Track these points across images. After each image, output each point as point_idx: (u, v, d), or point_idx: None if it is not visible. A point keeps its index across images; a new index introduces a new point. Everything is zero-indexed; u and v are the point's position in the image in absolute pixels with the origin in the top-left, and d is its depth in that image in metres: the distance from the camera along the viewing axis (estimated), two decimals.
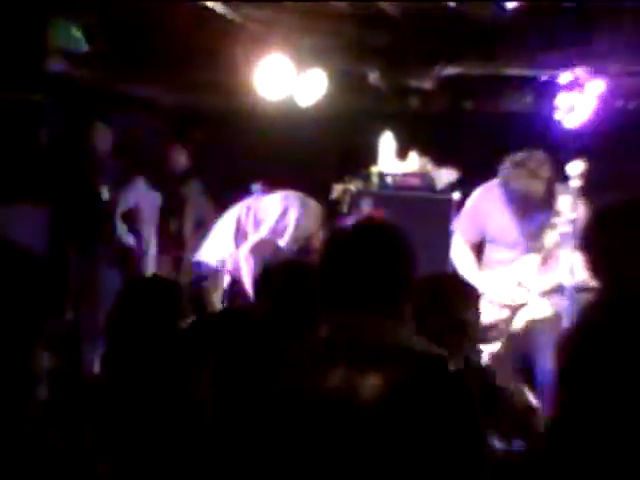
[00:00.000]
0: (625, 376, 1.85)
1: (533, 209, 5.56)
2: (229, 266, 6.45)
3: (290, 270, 3.61)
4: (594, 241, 2.81)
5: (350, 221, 2.59)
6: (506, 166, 5.57)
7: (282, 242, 6.31)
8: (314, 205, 6.52)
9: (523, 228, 5.65)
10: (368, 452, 2.18)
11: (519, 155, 5.59)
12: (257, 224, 6.48)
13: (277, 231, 6.39)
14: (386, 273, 2.43)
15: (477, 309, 3.53)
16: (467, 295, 3.51)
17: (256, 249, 6.32)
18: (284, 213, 6.43)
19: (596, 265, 2.73)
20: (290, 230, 6.35)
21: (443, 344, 3.24)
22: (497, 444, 2.93)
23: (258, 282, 3.78)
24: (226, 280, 6.45)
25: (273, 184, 6.72)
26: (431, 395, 2.21)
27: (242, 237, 6.47)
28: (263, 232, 6.40)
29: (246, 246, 6.37)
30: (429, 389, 2.22)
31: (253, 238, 6.40)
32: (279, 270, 3.68)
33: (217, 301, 6.33)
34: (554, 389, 1.97)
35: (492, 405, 3.23)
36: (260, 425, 2.33)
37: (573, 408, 1.90)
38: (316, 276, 2.50)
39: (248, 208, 6.57)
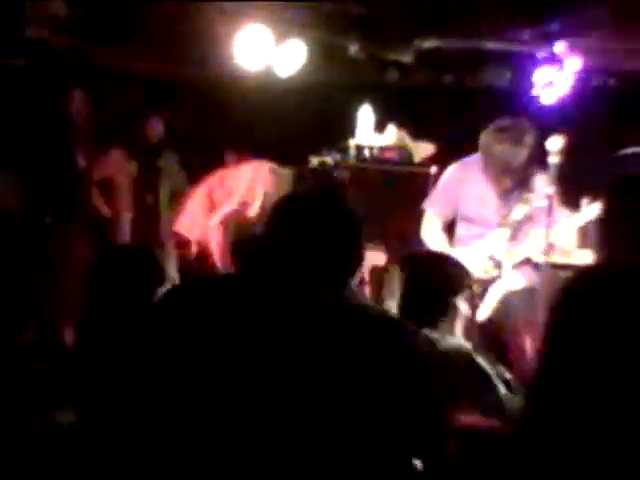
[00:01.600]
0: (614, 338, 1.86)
1: (511, 179, 5.53)
2: (199, 236, 6.45)
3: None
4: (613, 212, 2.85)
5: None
6: (489, 131, 5.52)
7: (252, 212, 6.31)
8: (286, 175, 6.50)
9: (497, 202, 5.64)
10: (319, 405, 2.20)
11: (503, 121, 5.55)
12: (228, 194, 6.48)
13: (246, 202, 6.38)
14: (335, 246, 2.44)
15: (465, 288, 3.53)
16: (455, 273, 3.51)
17: (225, 221, 6.31)
18: (253, 184, 6.42)
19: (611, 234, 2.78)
20: (258, 201, 6.34)
21: (423, 319, 3.27)
22: (470, 419, 2.95)
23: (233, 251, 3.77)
24: (195, 250, 6.46)
25: (249, 155, 6.70)
26: (382, 358, 2.22)
27: (213, 207, 6.46)
28: (233, 203, 6.40)
29: (216, 217, 6.37)
30: (381, 351, 2.23)
31: (223, 209, 6.39)
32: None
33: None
34: (539, 349, 1.96)
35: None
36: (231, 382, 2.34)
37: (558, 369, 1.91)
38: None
39: (220, 179, 6.56)
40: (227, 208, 6.39)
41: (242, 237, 3.72)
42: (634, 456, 1.82)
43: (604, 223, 2.96)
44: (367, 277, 5.79)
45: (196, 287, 2.60)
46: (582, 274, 2.02)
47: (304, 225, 2.46)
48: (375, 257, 6.06)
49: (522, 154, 5.39)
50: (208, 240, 6.35)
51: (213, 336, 2.40)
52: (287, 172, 6.54)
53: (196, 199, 6.56)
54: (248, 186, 6.42)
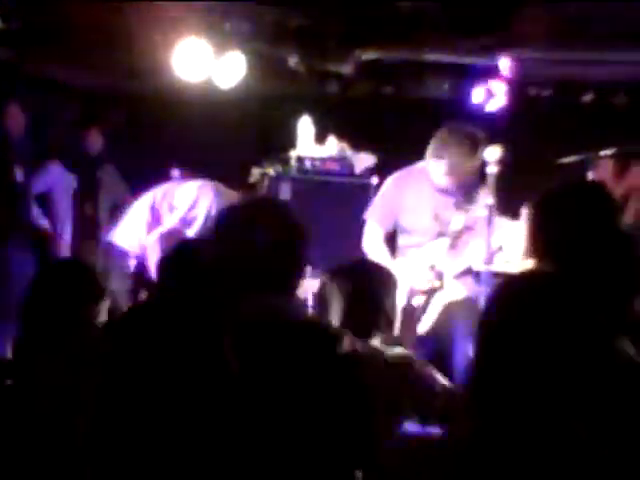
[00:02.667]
0: (546, 346, 1.88)
1: (457, 189, 5.54)
2: (138, 251, 6.39)
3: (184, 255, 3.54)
4: (537, 223, 2.89)
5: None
6: (448, 131, 5.52)
7: (191, 232, 6.25)
8: (231, 195, 6.46)
9: (438, 212, 5.66)
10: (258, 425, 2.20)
11: (463, 125, 5.57)
12: (170, 211, 6.43)
13: (187, 221, 6.33)
14: (278, 255, 2.45)
15: (395, 295, 3.54)
16: (386, 281, 3.52)
17: (163, 238, 6.26)
18: (195, 203, 6.37)
19: (536, 246, 2.82)
20: (200, 220, 6.30)
21: (363, 331, 3.27)
22: (413, 428, 2.95)
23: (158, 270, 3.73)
24: (133, 264, 6.39)
25: (191, 168, 6.67)
26: (317, 373, 2.22)
27: (155, 223, 6.41)
28: (173, 220, 6.35)
29: (154, 234, 6.31)
30: (316, 367, 2.23)
31: (163, 226, 6.34)
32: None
33: (123, 285, 6.26)
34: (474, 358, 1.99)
35: (411, 389, 3.26)
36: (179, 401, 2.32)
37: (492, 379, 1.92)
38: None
39: (164, 194, 6.50)
40: (168, 224, 6.33)
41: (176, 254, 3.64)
42: (565, 453, 1.85)
43: (528, 231, 3.01)
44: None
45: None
46: (509, 281, 2.06)
47: (243, 235, 2.46)
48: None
49: (475, 162, 5.41)
50: (146, 254, 6.29)
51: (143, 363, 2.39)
52: (233, 193, 6.51)
53: (137, 212, 6.49)
54: (191, 204, 6.36)
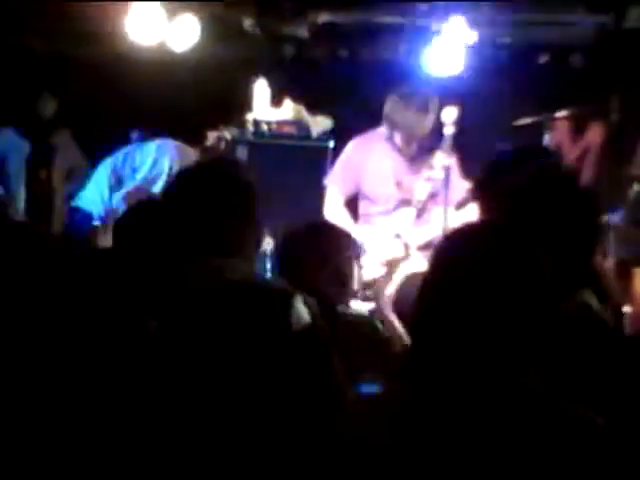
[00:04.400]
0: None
1: (417, 146, 5.54)
2: (103, 213, 6.36)
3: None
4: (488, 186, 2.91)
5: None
6: (394, 98, 5.51)
7: (155, 189, 6.23)
8: (191, 153, 6.44)
9: (400, 178, 5.66)
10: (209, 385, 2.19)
11: (407, 88, 5.56)
12: (133, 172, 6.40)
13: (150, 179, 6.31)
14: (226, 213, 2.43)
15: (354, 259, 3.53)
16: (344, 245, 3.50)
17: (129, 198, 6.23)
18: (156, 162, 6.35)
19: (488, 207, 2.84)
20: (163, 178, 6.28)
21: (320, 294, 3.26)
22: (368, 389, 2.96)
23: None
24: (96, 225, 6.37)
25: (149, 131, 6.62)
26: (273, 331, 2.22)
27: (118, 185, 6.38)
28: (137, 180, 6.32)
29: (119, 194, 6.28)
30: (272, 326, 2.22)
31: (127, 187, 6.32)
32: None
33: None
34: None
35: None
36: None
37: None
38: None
39: (125, 156, 6.49)
40: (131, 185, 6.31)
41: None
42: (509, 408, 1.85)
43: (478, 192, 3.03)
44: None
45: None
46: (451, 234, 2.06)
47: (197, 194, 2.45)
48: None
49: (428, 120, 5.41)
50: (111, 216, 6.26)
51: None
52: (192, 150, 6.48)
53: (99, 176, 6.47)
54: (152, 163, 6.34)
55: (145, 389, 2.29)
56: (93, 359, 2.41)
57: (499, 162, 3.17)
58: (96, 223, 6.37)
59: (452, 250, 1.98)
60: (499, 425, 1.84)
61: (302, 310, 2.29)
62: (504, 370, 1.87)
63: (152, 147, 6.43)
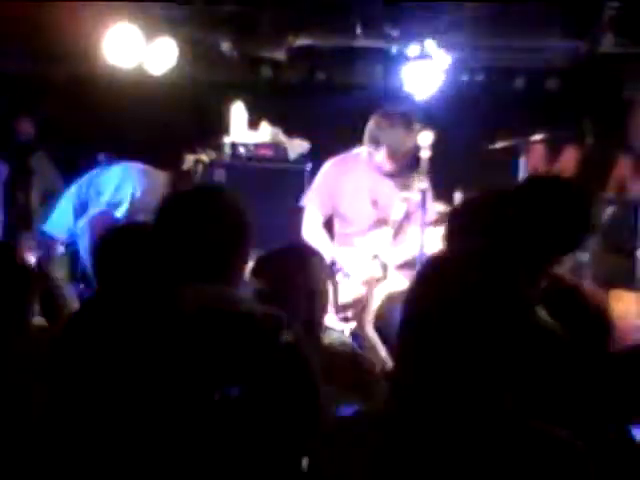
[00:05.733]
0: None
1: (399, 165, 5.56)
2: (67, 237, 6.35)
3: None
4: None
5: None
6: (380, 116, 5.56)
7: (119, 214, 6.20)
8: (159, 177, 6.42)
9: (376, 198, 5.68)
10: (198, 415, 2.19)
11: (391, 108, 5.61)
12: (97, 196, 6.38)
13: (113, 204, 6.29)
14: (216, 241, 2.44)
15: (328, 278, 3.52)
16: (316, 264, 3.49)
17: (92, 222, 6.21)
18: (120, 185, 6.33)
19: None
20: (126, 202, 6.25)
21: (294, 312, 3.26)
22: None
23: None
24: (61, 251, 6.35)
25: (122, 154, 6.61)
26: (263, 362, 2.23)
27: (82, 210, 6.36)
28: (100, 205, 6.30)
29: (83, 219, 6.27)
30: (260, 357, 2.23)
31: (91, 211, 6.30)
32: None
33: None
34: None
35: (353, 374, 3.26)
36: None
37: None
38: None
39: (89, 180, 6.47)
40: (95, 209, 6.29)
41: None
42: (487, 426, 1.87)
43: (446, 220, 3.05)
44: None
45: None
46: (430, 261, 2.08)
47: (189, 222, 2.44)
48: None
49: (413, 138, 5.45)
50: (76, 240, 6.24)
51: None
52: (161, 173, 6.46)
53: (65, 200, 6.46)
54: (115, 187, 6.32)
55: (129, 414, 2.29)
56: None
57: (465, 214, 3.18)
58: (60, 248, 6.35)
59: (431, 282, 2.01)
60: (479, 448, 1.86)
61: (287, 335, 2.30)
62: (482, 394, 1.89)
63: (116, 171, 6.42)
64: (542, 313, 2.61)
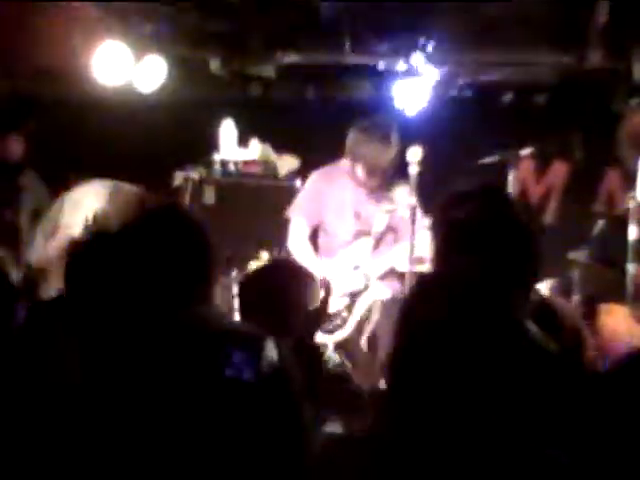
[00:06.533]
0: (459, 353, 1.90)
1: (379, 178, 5.58)
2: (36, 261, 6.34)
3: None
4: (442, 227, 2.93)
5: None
6: (356, 131, 5.58)
7: (76, 233, 6.16)
8: (126, 195, 6.39)
9: (359, 210, 5.69)
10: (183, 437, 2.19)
11: (369, 120, 5.63)
12: (62, 218, 6.37)
13: (73, 223, 6.26)
14: (180, 261, 2.44)
15: (312, 293, 3.51)
16: (304, 281, 3.49)
17: (55, 243, 6.19)
18: (83, 202, 6.31)
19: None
20: (87, 220, 6.22)
21: (283, 329, 3.26)
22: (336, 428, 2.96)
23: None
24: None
25: (111, 172, 6.60)
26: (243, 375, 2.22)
27: (52, 231, 6.34)
28: (64, 224, 6.28)
29: (50, 242, 6.25)
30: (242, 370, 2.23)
31: (57, 233, 6.28)
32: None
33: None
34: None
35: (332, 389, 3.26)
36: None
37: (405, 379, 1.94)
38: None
39: (62, 199, 6.46)
40: (59, 231, 6.27)
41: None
42: (483, 443, 1.86)
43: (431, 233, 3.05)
44: None
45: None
46: (421, 280, 2.08)
47: (154, 244, 2.44)
48: None
49: (390, 152, 5.47)
50: (43, 265, 6.22)
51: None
52: (130, 191, 6.43)
53: (44, 224, 6.45)
54: (76, 206, 6.30)
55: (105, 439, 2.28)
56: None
57: (448, 198, 3.18)
58: None
59: (424, 295, 2.01)
60: (470, 468, 1.85)
61: (272, 354, 2.29)
62: (469, 410, 1.89)
63: (84, 189, 6.40)
64: (532, 328, 2.61)
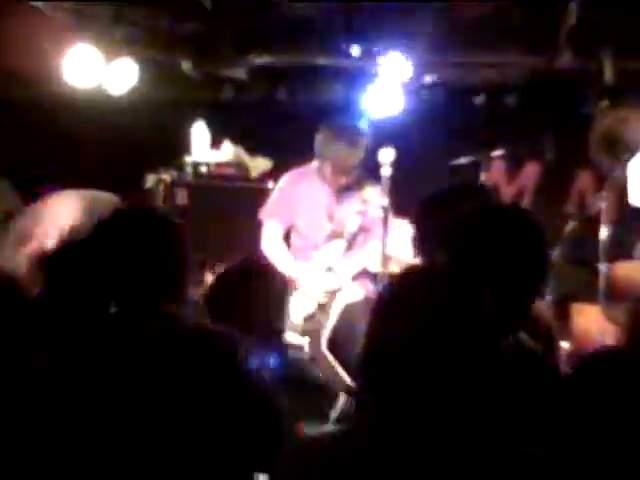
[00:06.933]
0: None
1: (346, 179, 5.59)
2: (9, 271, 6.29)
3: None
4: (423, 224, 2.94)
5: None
6: (324, 131, 5.60)
7: (50, 244, 6.11)
8: (101, 202, 6.35)
9: (332, 211, 5.69)
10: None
11: (337, 122, 5.65)
12: (36, 228, 6.32)
13: (47, 233, 6.21)
14: (156, 261, 2.44)
15: (277, 293, 3.52)
16: (274, 282, 3.50)
17: (26, 252, 6.15)
18: (55, 214, 6.27)
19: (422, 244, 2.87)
20: (63, 231, 6.18)
21: (250, 331, 3.25)
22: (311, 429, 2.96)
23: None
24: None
25: (83, 176, 6.56)
26: (222, 375, 2.22)
27: (24, 241, 6.29)
28: (38, 236, 6.24)
29: (23, 252, 6.21)
30: (221, 370, 2.23)
31: (30, 243, 6.23)
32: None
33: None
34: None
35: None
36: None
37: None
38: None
39: (31, 210, 6.41)
40: (31, 239, 6.22)
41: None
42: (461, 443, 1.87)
43: (414, 233, 3.06)
44: None
45: None
46: (395, 278, 2.09)
47: (128, 244, 2.45)
48: None
49: (357, 154, 5.49)
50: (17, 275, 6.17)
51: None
52: (106, 200, 6.39)
53: (15, 233, 6.40)
54: (49, 216, 6.26)
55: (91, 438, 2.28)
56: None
57: (435, 201, 3.19)
58: None
59: (395, 296, 2.01)
60: (450, 466, 1.86)
61: (244, 354, 2.30)
62: (447, 410, 1.89)
63: (54, 200, 6.36)
64: (523, 335, 2.61)
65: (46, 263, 3.15)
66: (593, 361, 2.18)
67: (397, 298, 1.99)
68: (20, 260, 6.06)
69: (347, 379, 4.82)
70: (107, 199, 6.37)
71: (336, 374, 4.54)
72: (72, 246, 3.05)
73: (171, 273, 2.47)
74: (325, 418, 3.18)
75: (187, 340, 2.32)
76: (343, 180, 5.60)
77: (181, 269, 2.51)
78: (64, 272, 3.07)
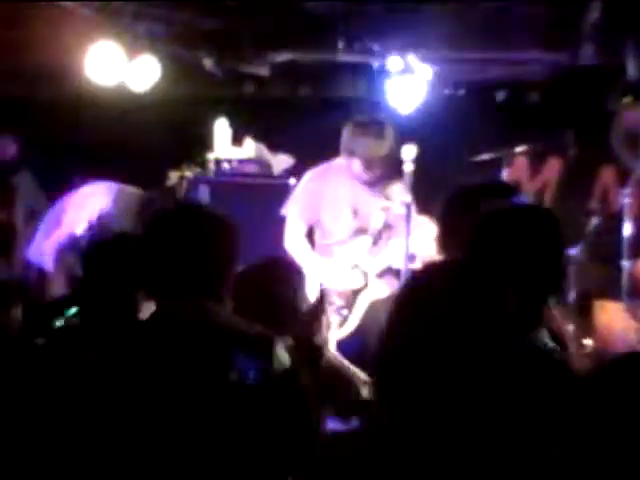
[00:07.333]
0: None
1: (375, 173, 5.59)
2: (37, 259, 6.33)
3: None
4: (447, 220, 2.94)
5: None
6: (351, 127, 5.60)
7: (79, 231, 6.14)
8: (132, 194, 6.38)
9: (357, 207, 5.69)
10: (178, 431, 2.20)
11: (362, 117, 5.66)
12: (65, 216, 6.36)
13: (76, 220, 6.24)
14: (205, 258, 2.44)
15: (303, 292, 3.50)
16: (293, 279, 3.47)
17: (59, 242, 6.18)
18: (84, 203, 6.29)
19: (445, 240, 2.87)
20: (93, 220, 6.20)
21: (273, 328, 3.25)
22: (336, 425, 2.96)
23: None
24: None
25: (106, 172, 6.59)
26: (254, 375, 2.23)
27: (54, 229, 6.33)
28: (66, 224, 6.26)
29: (51, 239, 6.24)
30: (253, 370, 2.23)
31: (59, 231, 6.26)
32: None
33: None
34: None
35: (330, 387, 3.26)
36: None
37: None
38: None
39: (62, 200, 6.44)
40: (62, 229, 6.26)
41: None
42: (476, 440, 1.87)
43: (440, 229, 3.06)
44: None
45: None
46: (416, 275, 2.08)
47: (176, 241, 2.46)
48: None
49: (385, 146, 5.49)
50: (45, 263, 6.22)
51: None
52: (134, 192, 6.42)
53: (45, 223, 6.43)
54: (80, 206, 6.29)
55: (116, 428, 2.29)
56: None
57: (460, 198, 3.18)
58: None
59: (418, 290, 2.01)
60: (470, 463, 1.86)
61: (283, 355, 2.30)
62: (465, 406, 1.89)
63: (86, 190, 6.39)
64: (544, 334, 2.60)
65: (86, 256, 3.16)
66: (618, 363, 2.17)
67: (419, 295, 1.99)
68: (49, 249, 6.11)
69: (362, 375, 4.81)
70: (133, 192, 6.41)
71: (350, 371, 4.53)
72: (119, 239, 3.05)
73: (212, 270, 2.47)
74: (345, 414, 3.17)
75: (222, 337, 2.33)
76: (373, 175, 5.60)
77: (224, 267, 2.51)
78: (105, 265, 3.08)
